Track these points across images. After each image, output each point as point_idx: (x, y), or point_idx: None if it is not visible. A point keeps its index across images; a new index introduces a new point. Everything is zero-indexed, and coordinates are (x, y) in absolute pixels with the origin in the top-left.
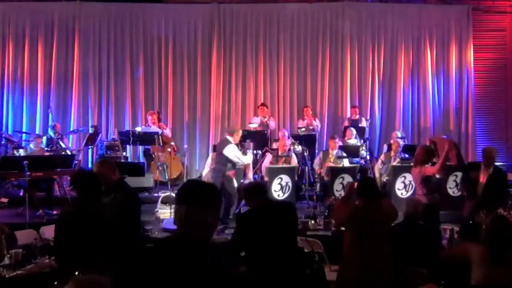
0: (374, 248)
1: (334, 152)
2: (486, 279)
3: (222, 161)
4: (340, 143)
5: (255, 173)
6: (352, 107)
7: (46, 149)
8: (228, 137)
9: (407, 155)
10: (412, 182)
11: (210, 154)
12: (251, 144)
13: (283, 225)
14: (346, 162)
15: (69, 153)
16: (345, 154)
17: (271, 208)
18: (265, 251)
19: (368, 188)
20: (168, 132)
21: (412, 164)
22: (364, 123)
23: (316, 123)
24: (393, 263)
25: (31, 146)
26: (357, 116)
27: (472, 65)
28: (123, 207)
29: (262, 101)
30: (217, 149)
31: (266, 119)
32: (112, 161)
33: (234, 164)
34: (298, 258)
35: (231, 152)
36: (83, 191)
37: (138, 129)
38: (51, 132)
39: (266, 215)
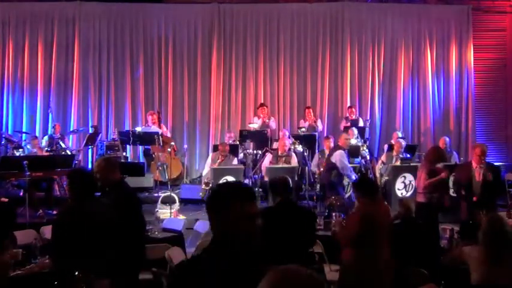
0: (375, 247)
1: None
2: (485, 279)
3: (327, 168)
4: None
5: (254, 173)
6: (349, 107)
7: (46, 149)
8: (339, 143)
9: (408, 155)
10: (413, 182)
11: (210, 154)
12: (251, 144)
13: (297, 230)
14: None
15: (69, 153)
16: None
17: (291, 209)
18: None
19: (369, 185)
20: (168, 134)
21: (412, 164)
22: (361, 123)
23: (319, 123)
24: (393, 262)
25: (28, 147)
26: (354, 116)
27: (472, 65)
28: (123, 207)
29: (262, 101)
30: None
31: (268, 121)
32: (114, 160)
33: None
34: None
35: (337, 157)
36: (78, 191)
37: (138, 129)
38: (52, 132)
39: (283, 214)
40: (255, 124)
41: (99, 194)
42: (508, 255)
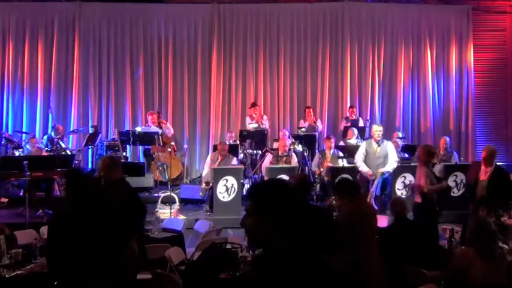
0: (363, 247)
1: (331, 152)
2: (479, 275)
3: None
4: (342, 143)
5: (254, 173)
6: (350, 107)
7: (46, 149)
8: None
9: (407, 155)
10: (412, 182)
11: (210, 154)
12: (251, 144)
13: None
14: (345, 162)
15: (69, 153)
16: (341, 154)
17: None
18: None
19: (349, 185)
20: (169, 127)
21: (412, 164)
22: (361, 123)
23: (319, 123)
24: (383, 262)
25: (27, 146)
26: (355, 116)
27: (472, 65)
28: (124, 204)
29: (262, 101)
30: None
31: (264, 124)
32: (118, 160)
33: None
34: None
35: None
36: (74, 191)
37: (138, 129)
38: (52, 133)
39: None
40: (254, 124)
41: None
42: (494, 250)
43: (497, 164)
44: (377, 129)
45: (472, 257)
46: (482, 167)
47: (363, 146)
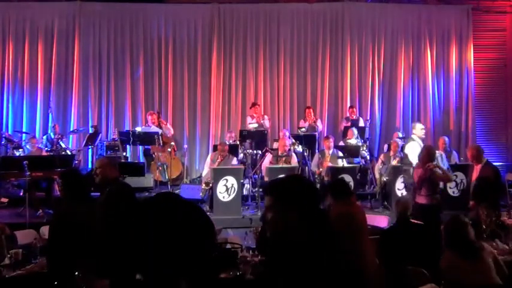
0: (357, 249)
1: (330, 151)
2: (467, 276)
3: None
4: (342, 143)
5: (254, 173)
6: (350, 107)
7: (46, 149)
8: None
9: None
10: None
11: (210, 154)
12: (251, 144)
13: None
14: (345, 162)
15: (69, 153)
16: (341, 154)
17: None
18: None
19: (341, 187)
20: (169, 128)
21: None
22: (361, 123)
23: (319, 123)
24: (382, 261)
25: (27, 147)
26: (355, 116)
27: (472, 65)
28: (116, 199)
29: (262, 101)
30: None
31: (262, 121)
32: (115, 161)
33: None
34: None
35: (410, 149)
36: (72, 191)
37: (138, 129)
38: (51, 133)
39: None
40: (254, 124)
41: (98, 194)
42: (473, 248)
43: (493, 163)
44: (422, 128)
45: (455, 260)
46: (474, 167)
47: (415, 147)
